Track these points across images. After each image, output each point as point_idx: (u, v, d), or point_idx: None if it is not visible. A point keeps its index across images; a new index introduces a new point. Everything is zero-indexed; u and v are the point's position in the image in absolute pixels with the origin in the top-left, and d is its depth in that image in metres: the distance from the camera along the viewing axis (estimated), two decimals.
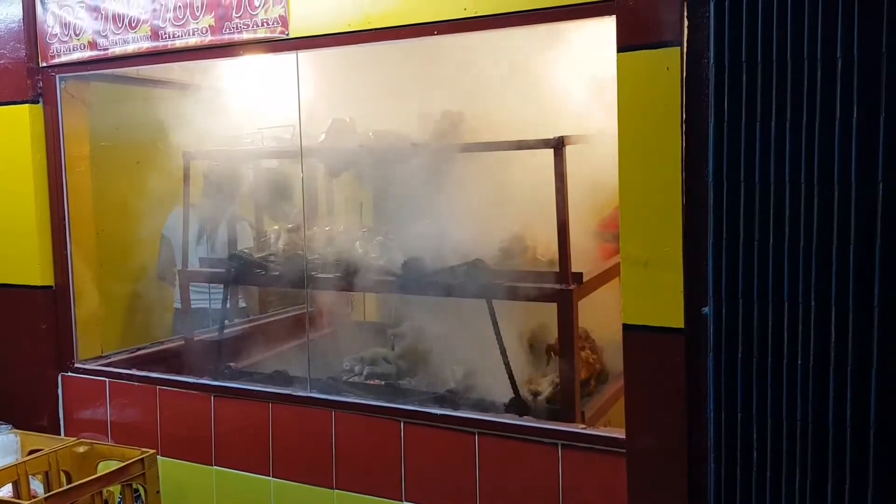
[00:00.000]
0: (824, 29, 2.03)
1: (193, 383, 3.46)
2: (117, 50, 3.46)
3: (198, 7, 3.23)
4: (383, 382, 3.30)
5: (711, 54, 2.17)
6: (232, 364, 3.58)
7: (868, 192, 2.03)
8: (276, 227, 3.76)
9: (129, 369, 3.69)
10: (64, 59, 3.60)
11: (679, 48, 2.33)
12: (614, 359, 3.21)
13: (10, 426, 3.48)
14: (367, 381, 3.34)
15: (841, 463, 2.11)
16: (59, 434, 3.69)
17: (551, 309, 2.97)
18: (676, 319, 2.40)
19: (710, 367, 2.25)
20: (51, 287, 3.74)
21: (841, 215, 2.06)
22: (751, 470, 2.22)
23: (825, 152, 2.06)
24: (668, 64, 2.35)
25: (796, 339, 2.13)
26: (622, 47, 2.44)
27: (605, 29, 2.52)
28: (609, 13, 2.48)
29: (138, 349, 4.06)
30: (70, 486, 2.96)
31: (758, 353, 2.19)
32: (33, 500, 2.77)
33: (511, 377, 2.94)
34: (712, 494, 2.28)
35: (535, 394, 3.03)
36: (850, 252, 2.05)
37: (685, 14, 2.31)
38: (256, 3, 3.09)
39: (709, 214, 2.22)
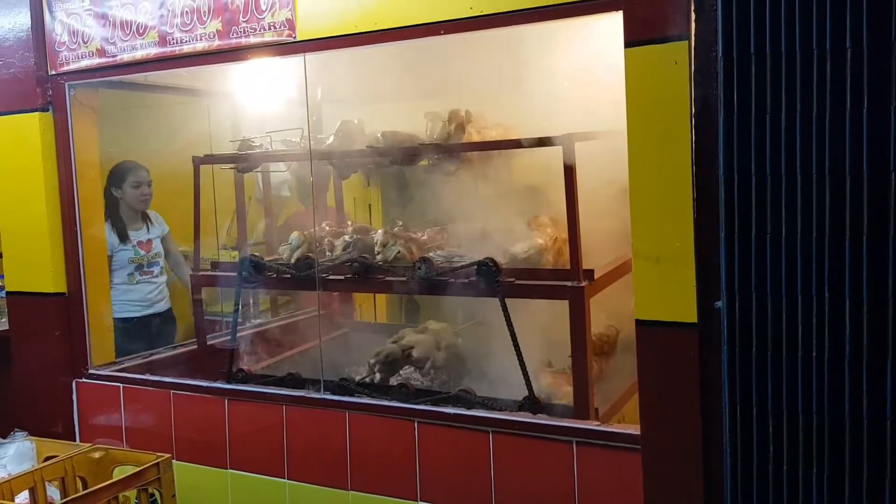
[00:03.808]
0: (833, 19, 2.03)
1: (207, 387, 3.47)
2: (125, 56, 3.48)
3: (205, 12, 3.24)
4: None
5: (720, 47, 2.17)
6: (245, 367, 3.58)
7: (880, 182, 2.02)
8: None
9: (143, 374, 3.70)
10: (73, 66, 3.62)
11: (687, 42, 2.33)
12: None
13: (25, 433, 3.49)
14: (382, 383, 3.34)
15: (858, 455, 2.10)
16: (75, 440, 3.70)
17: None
18: (689, 314, 2.40)
19: (724, 361, 2.25)
20: (63, 294, 3.75)
21: (853, 206, 2.05)
22: (767, 463, 2.22)
23: (836, 143, 2.05)
24: (676, 58, 2.35)
25: (810, 332, 2.13)
26: (629, 42, 2.43)
27: (612, 24, 2.52)
28: (616, 8, 2.47)
29: (151, 354, 4.08)
30: (86, 491, 2.96)
31: (772, 347, 2.18)
32: None
33: (525, 375, 2.94)
34: (728, 489, 2.27)
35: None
36: (862, 243, 2.05)
37: (692, 7, 2.31)
38: (263, 7, 3.10)
39: (720, 208, 2.22)
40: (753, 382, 2.22)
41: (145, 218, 4.70)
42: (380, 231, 3.40)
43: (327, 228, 3.81)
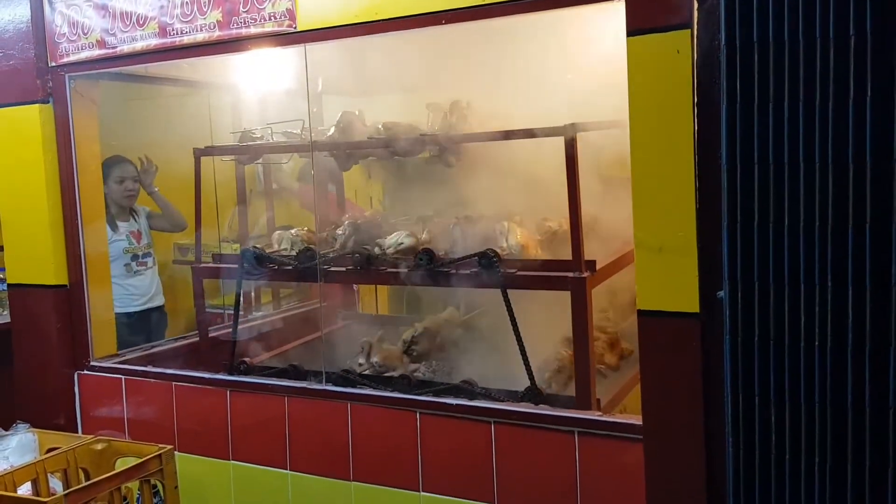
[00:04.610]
0: (836, 7, 2.02)
1: (209, 379, 3.47)
2: (126, 48, 3.46)
3: (205, 2, 3.23)
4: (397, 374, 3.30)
5: (722, 36, 2.15)
6: (247, 359, 3.59)
7: (883, 170, 2.01)
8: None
9: (145, 366, 3.71)
10: (73, 58, 3.61)
11: (689, 30, 2.32)
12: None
13: (27, 425, 3.50)
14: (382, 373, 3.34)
15: (860, 445, 2.10)
16: (77, 432, 3.71)
17: None
18: (692, 304, 2.39)
19: (727, 350, 2.25)
20: (65, 286, 3.75)
21: (856, 195, 2.04)
22: (769, 453, 2.21)
23: (839, 132, 2.05)
24: (678, 47, 2.34)
25: (813, 321, 2.12)
26: (632, 31, 2.42)
27: (614, 13, 2.51)
28: None
29: (153, 346, 4.08)
30: (88, 483, 2.97)
31: (774, 336, 2.18)
32: (52, 498, 2.78)
33: (527, 365, 2.94)
34: (731, 478, 2.27)
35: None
36: (865, 232, 2.04)
37: None
38: None
39: (723, 197, 2.21)
40: (756, 372, 2.21)
41: (130, 212, 4.73)
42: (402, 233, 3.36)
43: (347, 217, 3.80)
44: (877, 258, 2.03)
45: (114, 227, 4.57)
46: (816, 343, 2.12)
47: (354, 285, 4.60)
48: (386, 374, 3.31)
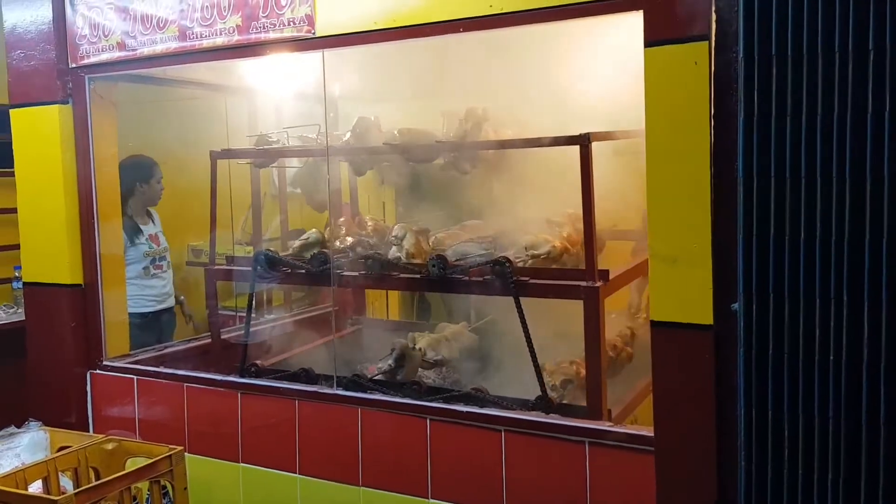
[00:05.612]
0: (855, 20, 2.01)
1: (220, 381, 3.48)
2: (146, 50, 3.49)
3: (225, 7, 3.25)
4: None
5: (740, 48, 2.16)
6: (258, 362, 3.59)
7: None
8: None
9: (157, 367, 3.72)
10: (93, 59, 3.64)
11: (707, 42, 2.32)
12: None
13: (39, 423, 3.52)
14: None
15: (874, 460, 2.09)
16: (88, 431, 3.72)
17: None
18: (705, 316, 2.39)
19: (741, 363, 2.24)
20: (80, 286, 3.77)
21: (873, 208, 2.04)
22: (782, 467, 2.20)
23: (857, 145, 2.04)
24: (696, 58, 2.34)
25: (828, 335, 2.11)
26: (649, 42, 2.43)
27: (632, 24, 2.51)
28: (636, 8, 2.46)
29: (165, 347, 4.10)
30: (99, 482, 2.98)
31: (789, 349, 2.17)
32: (63, 497, 2.79)
33: (539, 374, 2.93)
34: (742, 492, 2.26)
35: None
36: (882, 245, 2.03)
37: (713, 7, 2.30)
38: (283, 3, 3.11)
39: (738, 210, 2.21)
40: (769, 386, 2.20)
41: (149, 213, 4.74)
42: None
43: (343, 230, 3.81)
44: (893, 272, 2.02)
45: (137, 231, 4.58)
46: (831, 357, 2.11)
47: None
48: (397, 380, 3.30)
